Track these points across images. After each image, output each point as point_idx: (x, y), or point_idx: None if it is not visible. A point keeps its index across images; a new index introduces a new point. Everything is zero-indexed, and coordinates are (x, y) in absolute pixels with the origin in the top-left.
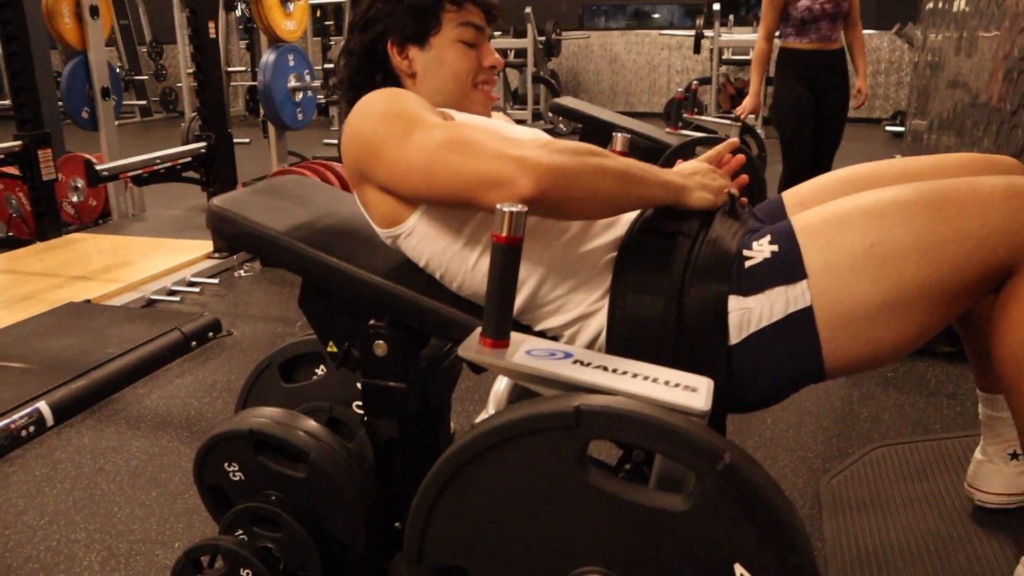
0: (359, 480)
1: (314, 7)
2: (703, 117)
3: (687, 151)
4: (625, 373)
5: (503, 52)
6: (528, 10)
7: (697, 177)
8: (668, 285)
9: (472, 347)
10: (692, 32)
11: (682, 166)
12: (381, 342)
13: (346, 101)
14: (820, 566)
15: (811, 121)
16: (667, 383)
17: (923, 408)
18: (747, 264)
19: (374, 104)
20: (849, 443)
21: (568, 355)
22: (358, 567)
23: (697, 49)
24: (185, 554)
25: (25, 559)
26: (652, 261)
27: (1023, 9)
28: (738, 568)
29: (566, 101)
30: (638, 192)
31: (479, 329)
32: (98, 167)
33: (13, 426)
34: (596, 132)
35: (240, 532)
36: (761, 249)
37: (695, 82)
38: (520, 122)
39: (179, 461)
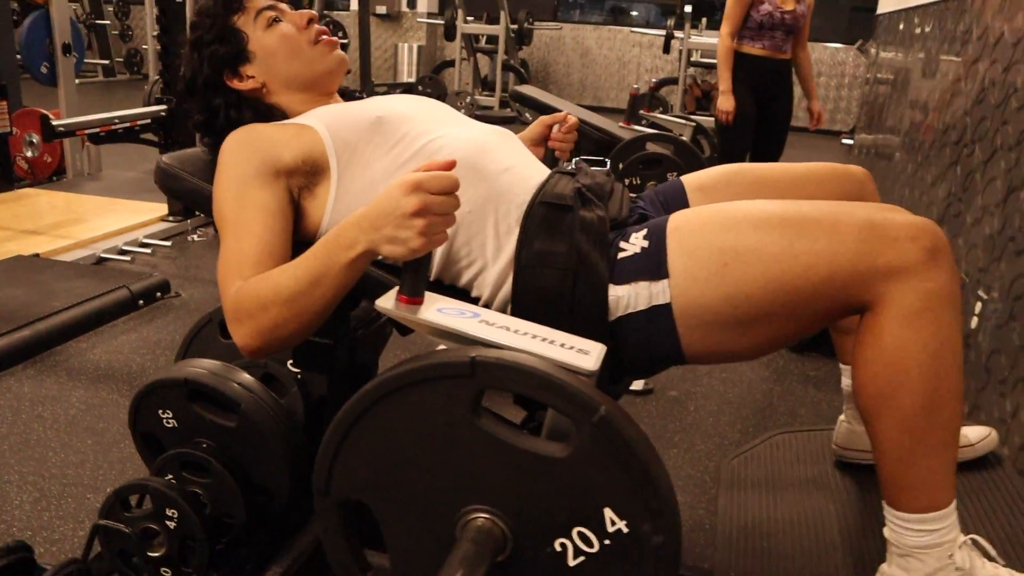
0: (287, 433)
1: None
2: (660, 115)
3: (638, 146)
4: (526, 334)
5: (474, 37)
6: None
7: (386, 230)
8: (564, 260)
9: (389, 302)
10: (663, 32)
11: (374, 208)
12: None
13: (210, 148)
14: (713, 535)
15: (752, 128)
16: (562, 345)
17: (838, 406)
18: (620, 256)
19: (219, 171)
20: (763, 432)
21: (476, 315)
22: (282, 517)
23: (667, 49)
24: (114, 492)
25: None
26: (551, 233)
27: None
28: (607, 512)
29: (525, 90)
30: (327, 289)
31: (397, 287)
32: (54, 123)
33: None
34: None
35: (170, 476)
36: (635, 244)
37: (654, 81)
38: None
39: (117, 412)
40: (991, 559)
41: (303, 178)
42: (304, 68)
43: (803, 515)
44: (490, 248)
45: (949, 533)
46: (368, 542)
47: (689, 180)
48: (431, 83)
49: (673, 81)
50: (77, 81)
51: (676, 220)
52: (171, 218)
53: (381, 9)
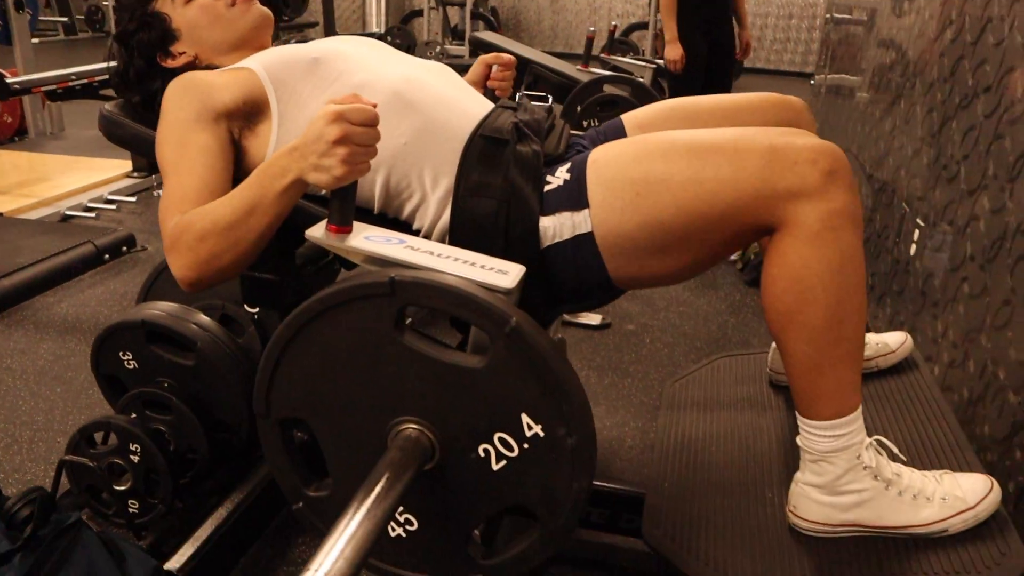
0: (245, 370)
1: None
2: (619, 58)
3: (595, 88)
4: (448, 257)
5: None
6: None
7: (312, 158)
8: (499, 190)
9: (319, 231)
10: None
11: (301, 138)
12: None
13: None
14: (654, 450)
15: (703, 70)
16: (482, 266)
17: None
18: (546, 188)
19: (162, 116)
20: None
21: (402, 241)
22: (244, 451)
23: None
24: (79, 431)
25: None
26: (488, 165)
27: None
28: (524, 417)
29: (485, 36)
30: (262, 217)
31: (328, 218)
32: (9, 80)
33: None
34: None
35: (133, 415)
36: (559, 177)
37: (613, 24)
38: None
39: (84, 362)
40: (895, 458)
41: (243, 119)
42: (228, 31)
43: (736, 431)
44: (428, 180)
45: (856, 436)
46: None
47: (628, 117)
48: (400, 33)
49: (644, 26)
50: (37, 40)
51: (595, 154)
52: (135, 174)
53: None
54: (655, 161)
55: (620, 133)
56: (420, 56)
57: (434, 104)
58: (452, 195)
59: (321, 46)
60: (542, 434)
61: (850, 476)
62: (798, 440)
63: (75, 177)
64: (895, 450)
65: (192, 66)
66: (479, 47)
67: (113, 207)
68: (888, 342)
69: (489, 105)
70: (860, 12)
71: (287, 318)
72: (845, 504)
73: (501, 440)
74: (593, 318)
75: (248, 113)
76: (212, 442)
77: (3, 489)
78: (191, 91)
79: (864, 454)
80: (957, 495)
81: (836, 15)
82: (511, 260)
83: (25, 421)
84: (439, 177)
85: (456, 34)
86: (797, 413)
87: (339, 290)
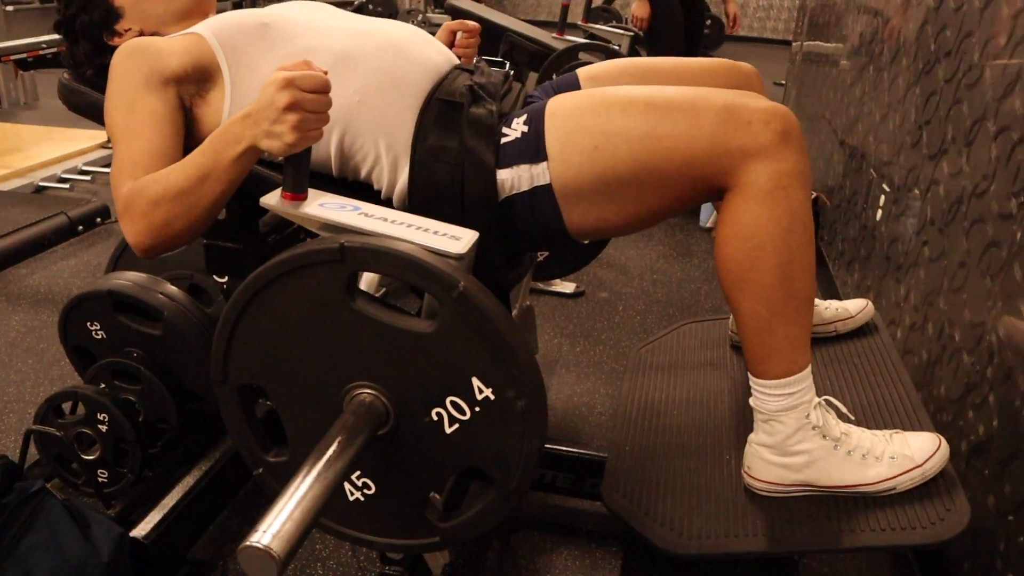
0: (211, 338)
1: None
2: (597, 26)
3: (570, 56)
4: (402, 224)
5: None
6: None
7: (264, 125)
8: (455, 154)
9: (274, 199)
10: None
11: (254, 105)
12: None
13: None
14: (617, 415)
15: (681, 35)
16: (435, 232)
17: None
18: (503, 141)
19: (109, 83)
20: None
21: (356, 208)
22: (213, 420)
23: None
24: (47, 400)
25: None
26: (444, 128)
27: None
28: (475, 381)
29: (461, 3)
30: (215, 184)
31: (283, 184)
32: None
33: None
34: (488, 33)
35: (103, 385)
36: (516, 129)
37: None
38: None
39: (56, 334)
40: (845, 418)
41: (193, 85)
42: (171, 2)
43: (698, 394)
44: (383, 141)
45: (805, 395)
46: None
47: (583, 72)
48: (382, 2)
49: None
50: (11, 8)
51: (552, 105)
52: (110, 145)
53: None
54: (613, 114)
55: (575, 87)
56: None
57: (387, 58)
58: (409, 159)
59: (272, 11)
60: (492, 397)
61: (799, 435)
62: (751, 401)
63: (49, 148)
64: (843, 409)
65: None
66: (455, 14)
67: (87, 178)
68: (848, 308)
69: (446, 52)
70: None
71: (241, 284)
72: (796, 464)
73: (453, 404)
74: (567, 286)
75: (198, 79)
76: (181, 411)
77: None
78: (138, 56)
79: (812, 413)
80: (906, 454)
81: None
82: (470, 221)
83: None
84: (395, 137)
85: (439, 2)
86: (749, 374)
87: (290, 256)
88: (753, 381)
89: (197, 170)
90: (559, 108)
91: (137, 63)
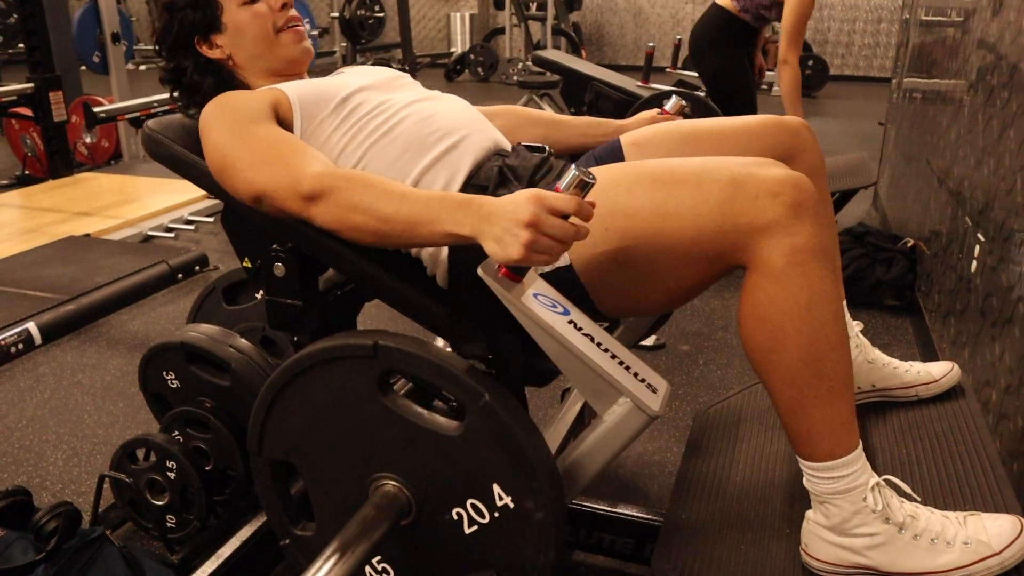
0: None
1: None
2: (683, 72)
3: (657, 102)
4: (606, 351)
5: (525, 3)
6: None
7: (496, 228)
8: None
9: (491, 270)
10: None
11: (498, 202)
12: (280, 264)
13: (193, 114)
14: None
15: (753, 90)
16: (636, 375)
17: None
18: None
19: (207, 132)
20: None
21: (566, 312)
22: None
23: None
24: (121, 447)
25: (1, 454)
26: None
27: None
28: (496, 487)
29: (547, 54)
30: (416, 237)
31: None
32: (96, 109)
33: (4, 342)
34: (574, 83)
35: (176, 433)
36: None
37: (677, 38)
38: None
39: None
40: (909, 498)
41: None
42: (267, 53)
43: (762, 461)
44: None
45: (859, 478)
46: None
47: (627, 137)
48: (483, 51)
49: None
50: (143, 67)
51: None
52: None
53: None
54: (621, 194)
55: (617, 154)
56: (503, 73)
57: (443, 148)
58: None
59: (350, 82)
60: (512, 505)
61: (858, 519)
62: (804, 481)
63: (159, 198)
64: (907, 489)
65: (222, 66)
66: (542, 66)
67: (191, 227)
68: (932, 371)
69: (494, 136)
70: (942, 13)
71: (281, 366)
72: (856, 547)
73: (474, 506)
74: (648, 339)
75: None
76: (248, 460)
77: (60, 499)
78: (235, 100)
79: (870, 496)
80: (982, 539)
81: (920, 16)
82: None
83: (87, 434)
84: None
85: (538, 50)
86: (795, 453)
87: (328, 347)
88: (800, 461)
89: (410, 214)
90: None
91: (235, 105)
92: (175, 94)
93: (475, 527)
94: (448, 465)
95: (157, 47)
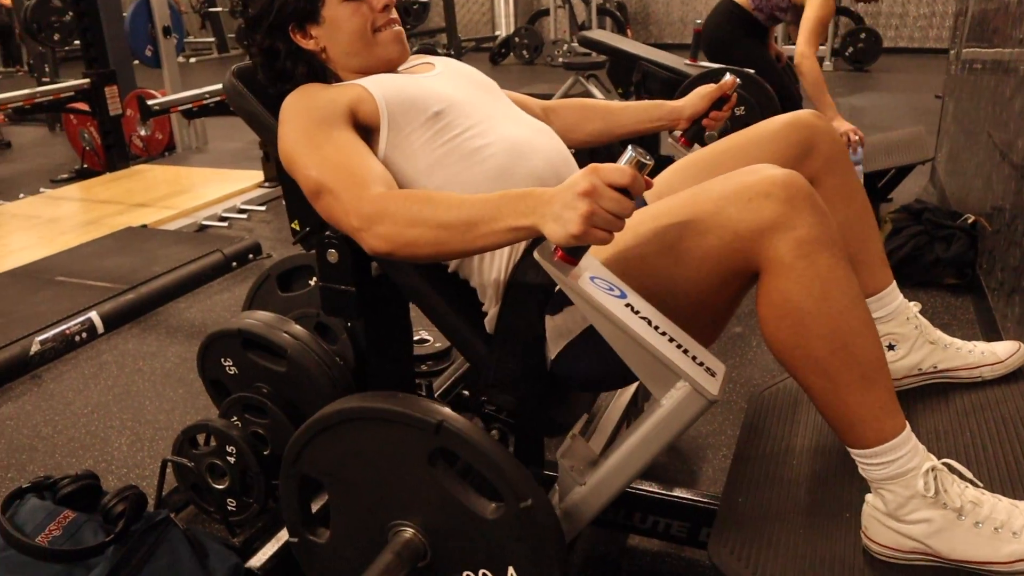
0: (334, 375)
1: None
2: (705, 63)
3: (707, 80)
4: (664, 334)
5: None
6: None
7: (555, 206)
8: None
9: (546, 253)
10: None
11: (556, 188)
12: (333, 251)
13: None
14: (733, 463)
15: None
16: (694, 358)
17: None
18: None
19: (283, 122)
20: None
21: (624, 296)
22: None
23: None
24: (183, 432)
25: (68, 439)
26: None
27: None
28: (511, 570)
29: (593, 34)
30: (478, 238)
31: None
32: (149, 102)
33: (68, 332)
34: (621, 64)
35: (235, 418)
36: None
37: (698, 23)
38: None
39: None
40: (972, 483)
41: (360, 132)
42: (363, 51)
43: (820, 444)
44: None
45: (909, 461)
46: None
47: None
48: (527, 33)
49: None
50: (194, 60)
51: None
52: (267, 184)
53: None
54: (628, 241)
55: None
56: (548, 55)
57: (530, 180)
58: (511, 264)
59: (441, 93)
60: None
61: (913, 504)
62: (858, 469)
63: (213, 188)
64: (968, 474)
65: (316, 58)
66: (587, 46)
67: (244, 216)
68: (997, 351)
69: (562, 152)
70: None
71: (341, 405)
72: (914, 532)
73: None
74: None
75: (359, 128)
76: None
77: (124, 484)
78: (315, 95)
79: (922, 480)
80: None
81: None
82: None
83: (149, 420)
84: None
85: (584, 31)
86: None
87: (393, 410)
88: (849, 451)
89: (469, 216)
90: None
91: (314, 103)
92: (263, 75)
93: None
94: (474, 537)
95: (247, 27)
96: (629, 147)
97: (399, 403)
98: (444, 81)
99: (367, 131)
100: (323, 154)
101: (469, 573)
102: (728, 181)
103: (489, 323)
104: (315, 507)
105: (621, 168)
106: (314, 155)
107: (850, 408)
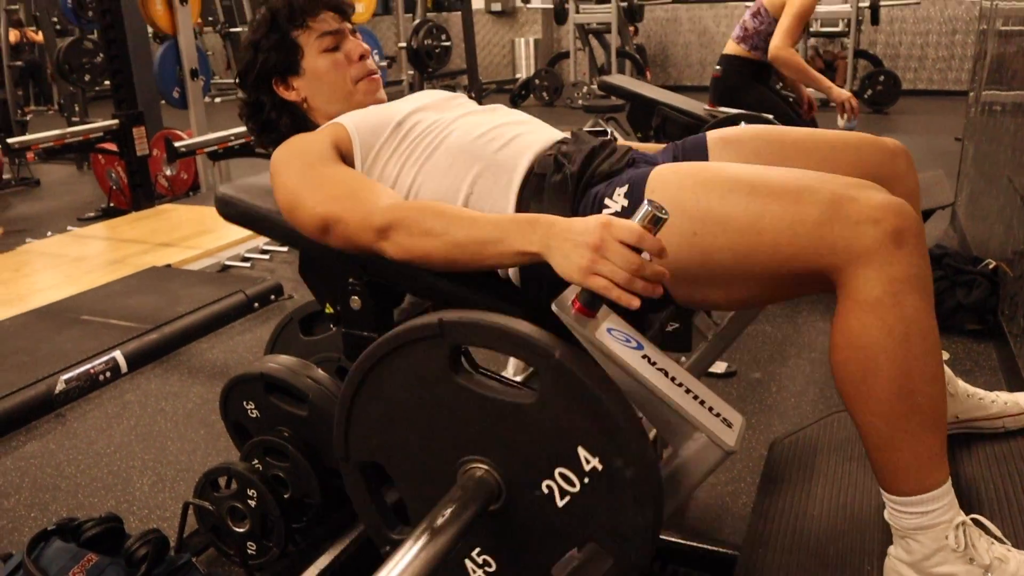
0: None
1: None
2: (723, 109)
3: (726, 126)
4: (680, 385)
5: (587, 26)
6: None
7: (566, 244)
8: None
9: (565, 306)
10: None
11: (570, 222)
12: (356, 297)
13: (267, 150)
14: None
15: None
16: (711, 409)
17: None
18: (604, 212)
19: (277, 174)
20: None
21: (640, 347)
22: None
23: None
24: (204, 474)
25: (91, 479)
26: (539, 199)
27: None
28: (581, 451)
29: (613, 79)
30: (488, 258)
31: (574, 288)
32: (176, 144)
33: (93, 371)
34: (641, 108)
35: (256, 461)
36: (617, 201)
37: (717, 68)
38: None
39: None
40: (999, 540)
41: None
42: (342, 99)
43: (841, 494)
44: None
45: (944, 514)
46: None
47: (714, 134)
48: (547, 75)
49: None
50: (218, 100)
51: (655, 178)
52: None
53: (496, 6)
54: (714, 200)
55: (701, 150)
56: (568, 97)
57: (497, 149)
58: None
59: (406, 109)
60: (600, 467)
61: (939, 557)
62: (884, 514)
63: (235, 229)
64: (996, 531)
65: (298, 109)
66: (607, 90)
67: (266, 257)
68: (1020, 401)
69: (553, 133)
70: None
71: (352, 368)
72: None
73: (562, 475)
74: (718, 366)
75: (345, 163)
76: (325, 488)
77: (145, 525)
78: (302, 143)
79: (952, 535)
80: None
81: (999, 27)
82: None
83: (171, 461)
84: (503, 211)
85: (603, 73)
86: (880, 486)
87: (395, 335)
88: (884, 494)
89: (480, 235)
90: (660, 183)
91: (302, 149)
92: (251, 127)
93: (567, 498)
94: (530, 436)
95: (237, 81)
96: (646, 201)
97: (395, 330)
98: (409, 100)
99: (349, 162)
100: (324, 191)
101: (548, 483)
102: (840, 188)
103: (514, 275)
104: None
105: (632, 227)
106: (315, 194)
107: (901, 454)
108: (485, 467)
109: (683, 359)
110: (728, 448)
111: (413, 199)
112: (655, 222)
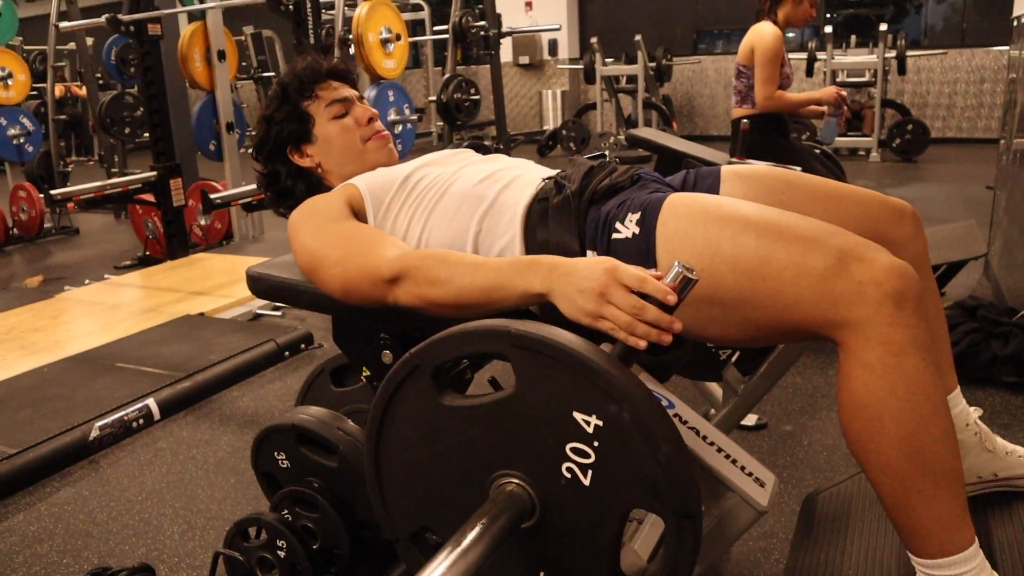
0: None
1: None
2: (750, 161)
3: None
4: (712, 444)
5: (615, 78)
6: (638, 38)
7: (571, 288)
8: (549, 245)
9: None
10: (804, 55)
11: (575, 263)
12: (387, 351)
13: (284, 212)
14: (785, 572)
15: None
16: (743, 468)
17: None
18: (614, 236)
19: (295, 235)
20: None
21: (671, 404)
22: (385, 550)
23: (810, 72)
24: (234, 524)
25: (122, 526)
26: (544, 224)
27: None
28: (577, 415)
29: (641, 132)
30: (494, 303)
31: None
32: (212, 195)
33: (127, 418)
34: (669, 161)
35: (286, 512)
36: (628, 227)
37: (744, 121)
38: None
39: None
40: None
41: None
42: (354, 160)
43: (875, 553)
44: (496, 248)
45: None
46: None
47: (728, 169)
48: (575, 126)
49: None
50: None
51: (668, 208)
52: None
53: (524, 59)
54: (724, 238)
55: (714, 183)
56: (595, 148)
57: (499, 191)
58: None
59: (410, 165)
60: (600, 423)
61: None
62: None
63: None
64: None
65: (313, 175)
66: (635, 143)
67: None
68: None
69: (551, 172)
70: None
71: (366, 432)
72: None
73: (575, 450)
74: (749, 418)
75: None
76: (354, 539)
77: (175, 574)
78: (319, 204)
79: None
80: None
81: None
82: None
83: (201, 509)
84: (509, 240)
85: (630, 124)
86: (905, 548)
87: (381, 391)
88: (911, 557)
89: (485, 282)
90: (673, 213)
91: (317, 209)
92: (269, 195)
93: (589, 472)
94: (528, 424)
95: (253, 154)
96: (677, 263)
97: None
98: (415, 160)
99: (361, 218)
100: (340, 251)
101: (568, 465)
102: (848, 244)
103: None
104: None
105: (636, 273)
106: (331, 253)
107: (918, 515)
108: (511, 479)
109: (712, 412)
110: (761, 508)
111: (424, 247)
112: (685, 283)
